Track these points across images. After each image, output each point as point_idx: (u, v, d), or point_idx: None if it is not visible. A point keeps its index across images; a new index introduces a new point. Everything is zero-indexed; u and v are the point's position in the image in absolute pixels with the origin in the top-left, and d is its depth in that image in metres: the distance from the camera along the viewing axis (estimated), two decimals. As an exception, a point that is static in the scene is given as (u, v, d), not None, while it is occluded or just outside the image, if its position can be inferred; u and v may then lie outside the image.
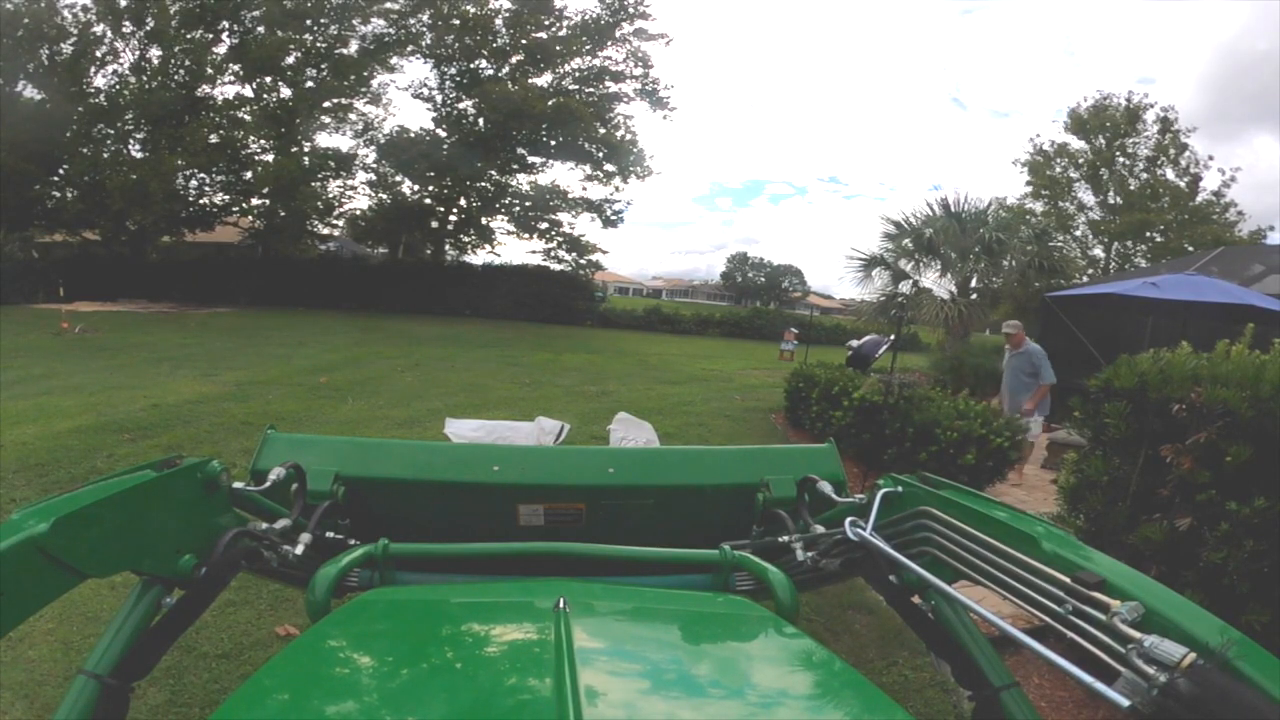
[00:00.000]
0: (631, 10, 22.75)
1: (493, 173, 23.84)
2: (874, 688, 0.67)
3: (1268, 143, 56.29)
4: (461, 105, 23.64)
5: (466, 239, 26.43)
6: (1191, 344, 2.81)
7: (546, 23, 22.72)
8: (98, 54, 19.59)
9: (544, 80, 23.48)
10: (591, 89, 23.71)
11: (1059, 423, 6.96)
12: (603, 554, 1.10)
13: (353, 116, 22.81)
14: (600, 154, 23.77)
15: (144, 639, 0.90)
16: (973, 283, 13.76)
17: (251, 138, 21.32)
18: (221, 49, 20.62)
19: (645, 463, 1.55)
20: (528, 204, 24.86)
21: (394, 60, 22.53)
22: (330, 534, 1.21)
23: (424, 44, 22.67)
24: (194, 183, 21.44)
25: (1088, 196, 28.75)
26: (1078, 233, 28.48)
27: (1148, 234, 26.99)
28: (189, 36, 19.68)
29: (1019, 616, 0.92)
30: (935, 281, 13.91)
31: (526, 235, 25.36)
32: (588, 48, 23.13)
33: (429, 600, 0.95)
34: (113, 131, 20.14)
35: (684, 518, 1.47)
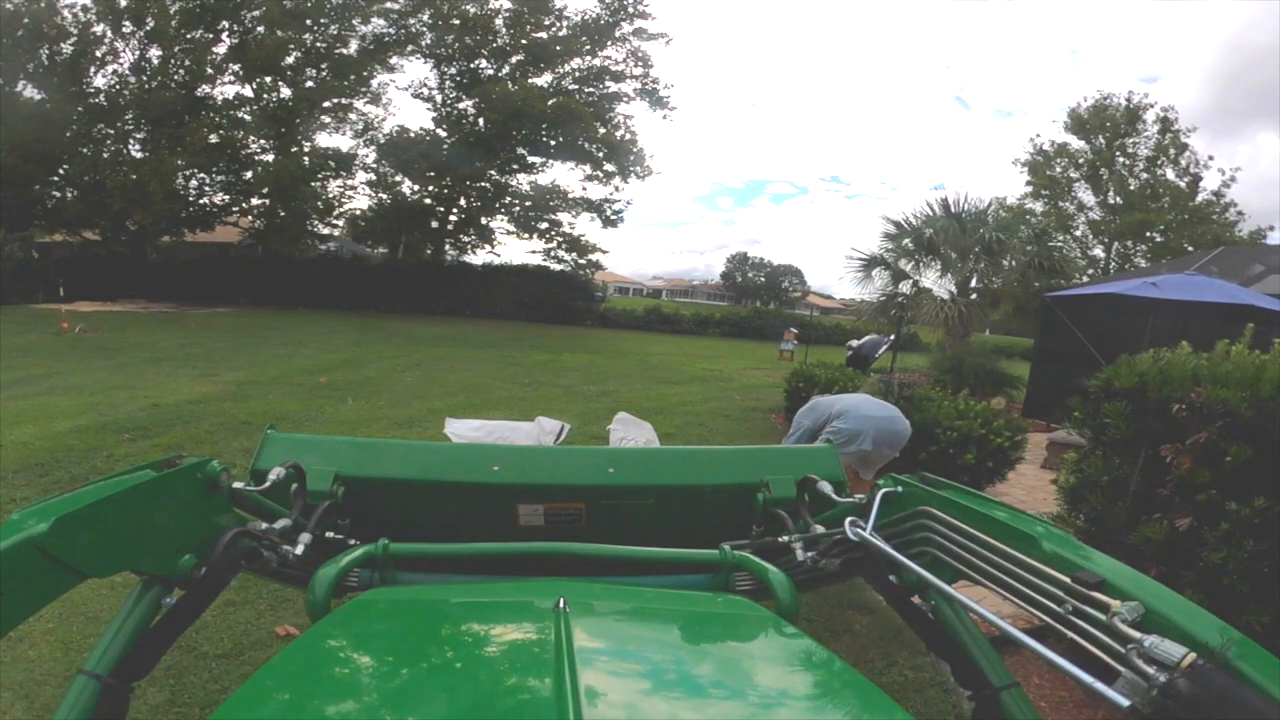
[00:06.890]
0: (631, 10, 22.75)
1: (493, 173, 23.82)
2: (874, 688, 0.67)
3: (1270, 139, 56.37)
4: (461, 105, 23.62)
5: (466, 239, 26.45)
6: (1191, 344, 2.81)
7: (546, 23, 22.70)
8: (98, 54, 19.57)
9: (544, 80, 23.46)
10: (591, 89, 23.70)
11: (1059, 423, 6.97)
12: (603, 554, 1.10)
13: (353, 116, 22.80)
14: (600, 154, 23.74)
15: (144, 639, 0.90)
16: (973, 283, 13.76)
17: (251, 138, 21.29)
18: (221, 49, 20.60)
19: (645, 463, 1.54)
20: (528, 204, 24.87)
21: (394, 60, 22.51)
22: (330, 534, 1.21)
23: (424, 44, 22.66)
24: (194, 183, 21.42)
25: (1088, 196, 28.85)
26: (1078, 233, 28.53)
27: (1148, 234, 27.06)
28: (189, 36, 19.66)
29: (1019, 616, 0.92)
30: (935, 281, 13.91)
31: (526, 235, 25.38)
32: (588, 48, 23.12)
33: (429, 600, 0.95)
34: (113, 131, 20.12)
35: (684, 518, 1.47)
